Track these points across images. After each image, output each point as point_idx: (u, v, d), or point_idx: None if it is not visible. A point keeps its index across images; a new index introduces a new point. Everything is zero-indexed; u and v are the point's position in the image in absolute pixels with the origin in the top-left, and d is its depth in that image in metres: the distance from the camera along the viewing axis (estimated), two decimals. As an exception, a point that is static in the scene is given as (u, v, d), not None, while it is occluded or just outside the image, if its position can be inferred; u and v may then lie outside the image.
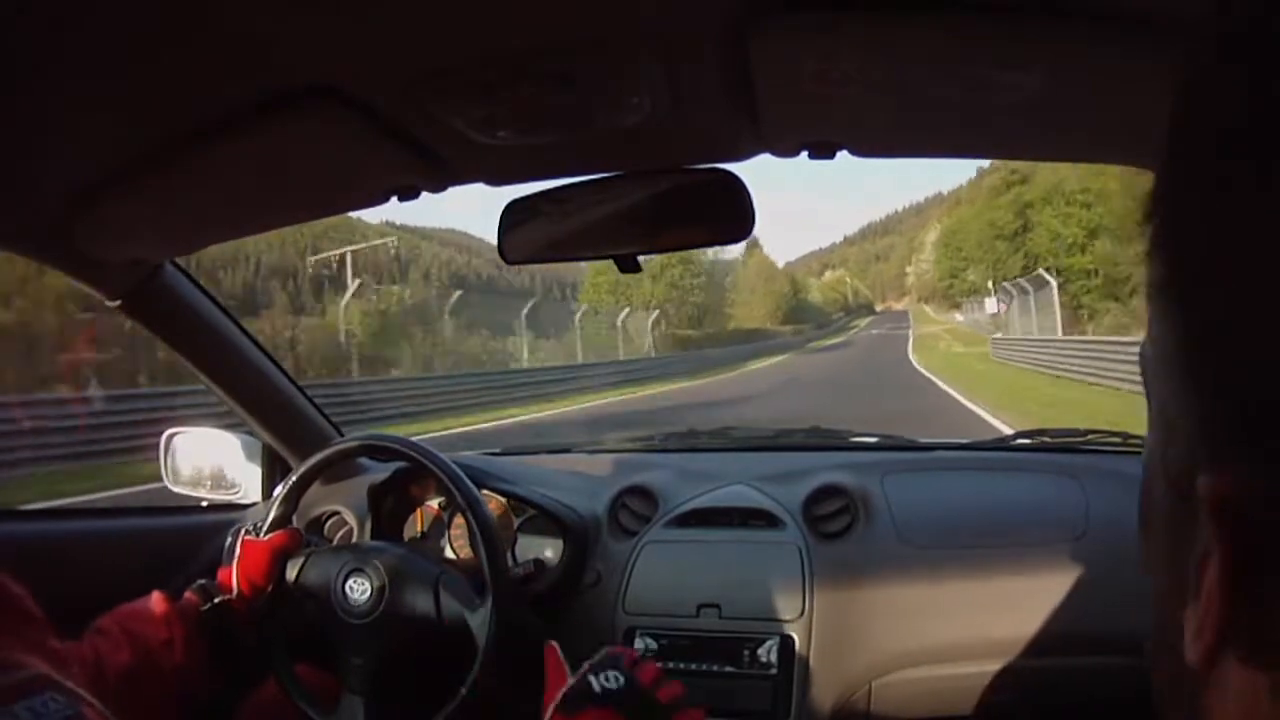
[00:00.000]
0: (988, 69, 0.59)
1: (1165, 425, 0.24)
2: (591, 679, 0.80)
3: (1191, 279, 0.21)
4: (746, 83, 0.63)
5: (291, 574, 1.00)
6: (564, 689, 0.79)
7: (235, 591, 0.95)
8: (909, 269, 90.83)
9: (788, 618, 1.06)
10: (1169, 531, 0.24)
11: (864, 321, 70.74)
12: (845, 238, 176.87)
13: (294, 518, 1.05)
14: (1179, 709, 0.24)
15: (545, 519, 1.20)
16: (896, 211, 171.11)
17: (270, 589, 0.98)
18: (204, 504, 1.36)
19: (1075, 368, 12.59)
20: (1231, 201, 0.19)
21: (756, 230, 0.92)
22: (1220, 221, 0.20)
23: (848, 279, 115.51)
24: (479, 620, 0.95)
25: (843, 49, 0.57)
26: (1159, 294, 0.22)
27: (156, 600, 0.89)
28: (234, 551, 0.99)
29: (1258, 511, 0.19)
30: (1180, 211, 0.21)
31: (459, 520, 1.22)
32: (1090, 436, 1.36)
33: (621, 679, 0.79)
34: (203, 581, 0.95)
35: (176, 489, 1.36)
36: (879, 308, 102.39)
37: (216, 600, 0.93)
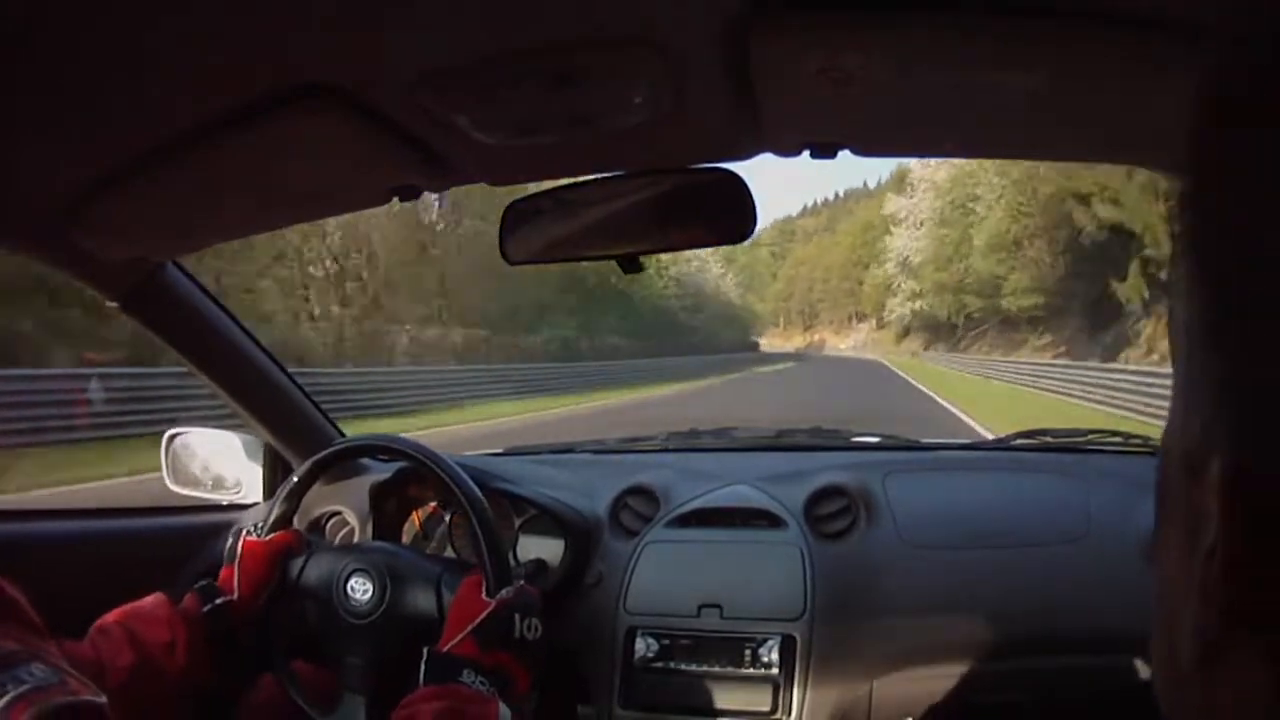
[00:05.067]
0: (990, 69, 0.59)
1: (1184, 410, 0.24)
2: (516, 619, 0.82)
3: (1219, 266, 0.22)
4: (748, 82, 0.63)
5: (293, 574, 0.99)
6: (484, 614, 0.82)
7: (236, 592, 0.94)
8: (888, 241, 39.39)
9: (789, 618, 1.06)
10: (1182, 520, 0.24)
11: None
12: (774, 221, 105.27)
13: (295, 518, 1.05)
14: (1181, 710, 0.24)
15: (547, 519, 1.20)
16: (856, 188, 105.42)
17: (271, 589, 0.98)
18: (204, 504, 1.36)
19: None
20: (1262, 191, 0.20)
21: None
22: (1251, 217, 0.20)
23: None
24: None
25: (844, 48, 0.57)
26: (1190, 279, 0.23)
27: (158, 602, 0.88)
28: (235, 552, 0.99)
29: (1269, 499, 0.19)
30: (1210, 206, 0.22)
31: (460, 520, 1.22)
32: (1091, 436, 1.36)
33: (540, 631, 0.82)
34: (204, 582, 0.95)
35: (177, 489, 1.36)
36: (768, 345, 45.12)
37: (218, 601, 0.92)
